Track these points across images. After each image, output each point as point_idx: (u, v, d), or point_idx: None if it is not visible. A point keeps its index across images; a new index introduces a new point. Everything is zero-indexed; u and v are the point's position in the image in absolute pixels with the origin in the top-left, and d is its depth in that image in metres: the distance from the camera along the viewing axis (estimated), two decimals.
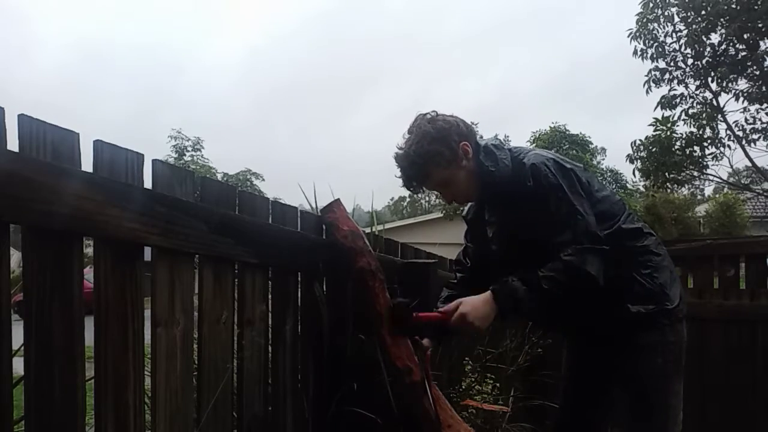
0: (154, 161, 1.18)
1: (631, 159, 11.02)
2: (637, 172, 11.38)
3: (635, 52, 10.74)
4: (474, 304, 1.56)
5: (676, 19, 10.40)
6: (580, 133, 27.66)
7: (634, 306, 1.58)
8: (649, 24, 10.54)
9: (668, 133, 10.67)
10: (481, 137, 1.73)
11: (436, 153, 1.61)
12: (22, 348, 0.94)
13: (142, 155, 1.13)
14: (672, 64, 10.61)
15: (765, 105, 10.15)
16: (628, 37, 10.73)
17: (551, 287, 1.50)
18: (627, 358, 1.62)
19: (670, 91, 10.77)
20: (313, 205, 1.91)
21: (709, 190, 21.52)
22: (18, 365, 0.93)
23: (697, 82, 10.67)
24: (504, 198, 1.64)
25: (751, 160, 10.99)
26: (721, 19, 9.77)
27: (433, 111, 1.69)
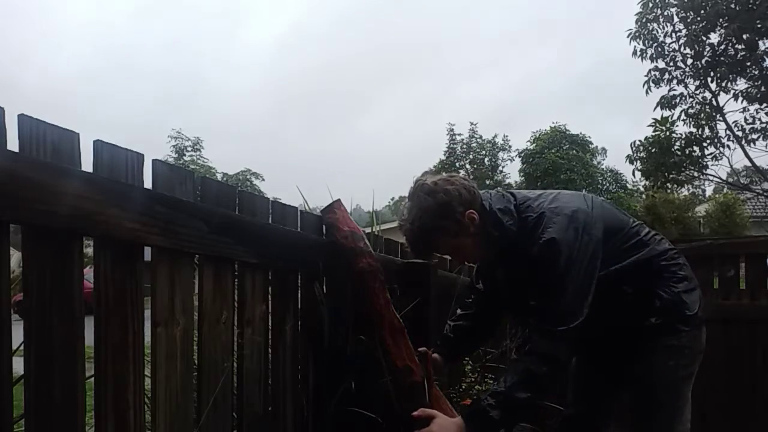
0: (154, 161, 1.18)
1: (630, 159, 11.03)
2: (637, 173, 11.39)
3: (635, 52, 10.74)
4: (446, 429, 1.49)
5: (676, 19, 10.41)
6: (581, 133, 27.69)
7: (654, 319, 1.59)
8: (648, 24, 10.55)
9: (667, 133, 10.67)
10: (488, 193, 1.66)
11: (440, 228, 1.58)
12: (22, 348, 0.94)
13: (142, 155, 1.13)
14: (671, 64, 10.62)
15: (764, 105, 10.15)
16: (628, 37, 10.72)
17: (524, 400, 1.45)
18: (640, 359, 1.62)
19: (669, 91, 10.78)
20: (311, 206, 1.92)
21: (709, 191, 21.55)
22: (18, 365, 0.93)
23: (697, 82, 10.68)
24: (512, 257, 1.63)
25: (750, 160, 11.00)
26: (721, 19, 9.78)
27: (431, 180, 1.60)
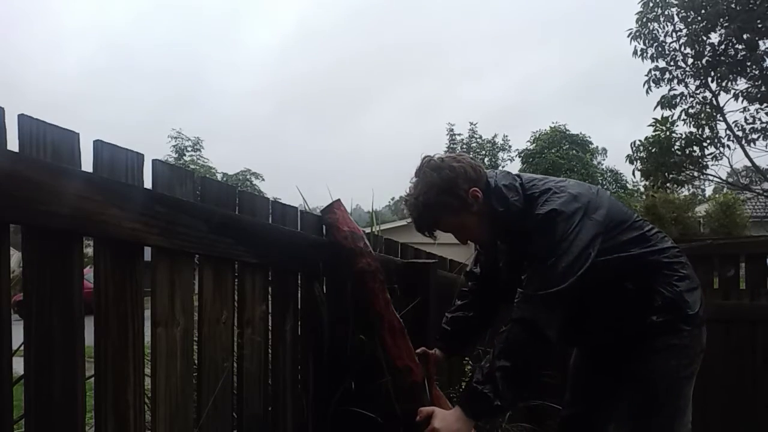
0: (154, 161, 1.18)
1: (630, 159, 11.03)
2: (637, 173, 11.38)
3: (635, 52, 10.74)
4: (447, 421, 1.48)
5: (676, 18, 10.41)
6: (581, 133, 27.70)
7: (656, 316, 1.58)
8: (648, 23, 10.55)
9: (667, 133, 10.67)
10: (494, 172, 1.68)
11: (444, 203, 1.58)
12: (22, 348, 0.94)
13: (142, 155, 1.13)
14: (672, 63, 10.62)
15: (764, 105, 10.15)
16: (628, 36, 10.73)
17: (508, 369, 1.44)
18: (640, 358, 1.61)
19: (670, 90, 10.77)
20: (311, 206, 1.92)
21: (709, 191, 21.57)
22: (18, 365, 0.93)
23: (697, 82, 10.68)
24: (515, 234, 1.62)
25: (750, 160, 11.00)
26: (721, 19, 9.78)
27: (438, 156, 1.64)
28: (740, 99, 10.20)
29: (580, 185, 1.63)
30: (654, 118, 10.82)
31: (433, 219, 1.63)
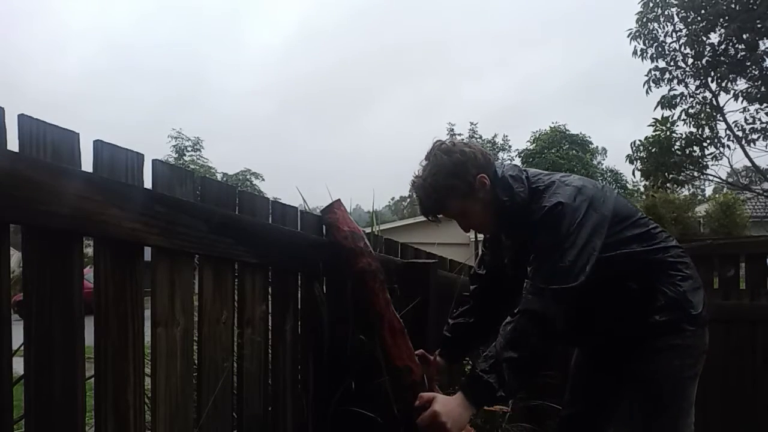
0: (154, 161, 1.18)
1: (630, 159, 11.03)
2: (637, 173, 11.39)
3: (635, 52, 10.75)
4: (448, 406, 1.45)
5: (676, 18, 10.42)
6: (581, 133, 27.73)
7: (658, 316, 1.58)
8: (648, 24, 10.56)
9: (668, 133, 10.68)
10: (501, 163, 1.70)
11: (452, 187, 1.59)
12: (22, 348, 0.94)
13: (142, 155, 1.13)
14: (672, 63, 10.63)
15: (764, 105, 10.16)
16: (628, 36, 10.73)
17: (514, 360, 1.42)
18: (644, 358, 1.61)
19: (670, 90, 10.78)
20: (311, 206, 1.91)
21: (709, 191, 21.58)
22: (18, 365, 0.93)
23: (697, 82, 10.69)
24: (519, 227, 1.63)
25: (750, 160, 11.01)
26: (721, 19, 9.79)
27: (450, 140, 1.66)
28: (740, 99, 10.22)
29: (585, 180, 1.64)
30: (654, 118, 10.83)
31: (440, 202, 1.64)
